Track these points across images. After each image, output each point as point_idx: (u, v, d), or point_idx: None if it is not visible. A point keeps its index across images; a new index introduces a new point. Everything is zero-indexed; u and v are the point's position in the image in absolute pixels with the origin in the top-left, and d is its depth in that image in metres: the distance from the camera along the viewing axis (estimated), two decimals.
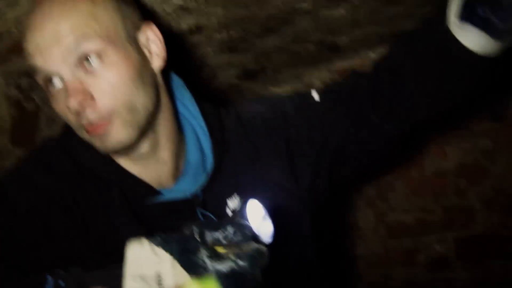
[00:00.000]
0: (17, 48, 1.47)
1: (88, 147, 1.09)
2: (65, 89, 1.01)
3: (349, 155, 1.25)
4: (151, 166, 1.14)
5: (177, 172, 1.17)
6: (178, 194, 1.13)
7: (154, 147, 1.13)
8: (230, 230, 0.90)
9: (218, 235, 0.91)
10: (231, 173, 1.18)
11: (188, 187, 1.15)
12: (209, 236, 0.91)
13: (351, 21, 1.90)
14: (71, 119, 1.04)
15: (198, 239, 0.90)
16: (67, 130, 1.12)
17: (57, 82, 1.02)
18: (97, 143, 1.06)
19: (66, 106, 1.01)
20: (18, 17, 1.28)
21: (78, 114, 1.02)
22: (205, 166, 1.18)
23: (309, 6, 1.68)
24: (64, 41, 0.99)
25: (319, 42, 2.15)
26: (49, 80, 1.02)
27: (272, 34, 1.90)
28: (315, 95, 1.26)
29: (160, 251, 0.92)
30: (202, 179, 1.15)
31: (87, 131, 1.04)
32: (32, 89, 1.70)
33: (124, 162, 1.12)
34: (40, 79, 1.03)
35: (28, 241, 1.01)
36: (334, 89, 1.28)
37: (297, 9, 1.69)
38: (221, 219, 0.94)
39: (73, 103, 1.00)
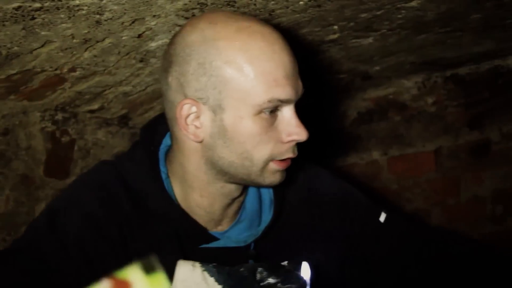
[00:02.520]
0: (51, 84, 1.52)
1: (147, 179, 1.10)
2: (293, 118, 1.04)
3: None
4: (224, 206, 1.15)
5: (233, 218, 1.18)
6: (232, 242, 1.13)
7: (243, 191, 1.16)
8: (286, 278, 0.92)
9: (273, 280, 0.92)
10: (285, 233, 1.19)
11: (241, 235, 1.16)
12: (265, 278, 0.92)
13: (381, 50, 1.90)
14: (267, 148, 1.05)
15: (253, 278, 0.92)
16: (123, 158, 1.14)
17: (286, 111, 1.05)
18: (276, 176, 1.08)
19: (287, 134, 1.04)
20: (50, 53, 1.33)
21: (292, 146, 1.06)
22: (261, 219, 1.19)
23: (338, 37, 1.69)
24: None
25: (350, 71, 2.15)
26: (274, 109, 1.04)
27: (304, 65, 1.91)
28: (383, 216, 1.27)
29: (211, 281, 0.93)
30: (256, 230, 1.15)
31: (279, 163, 1.06)
32: (66, 122, 1.75)
33: (197, 194, 1.12)
34: (268, 107, 1.03)
35: (72, 272, 1.02)
36: (402, 224, 1.29)
37: (326, 40, 1.70)
38: (279, 268, 0.96)
39: (307, 134, 1.04)
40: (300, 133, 1.04)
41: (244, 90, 1.00)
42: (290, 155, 1.05)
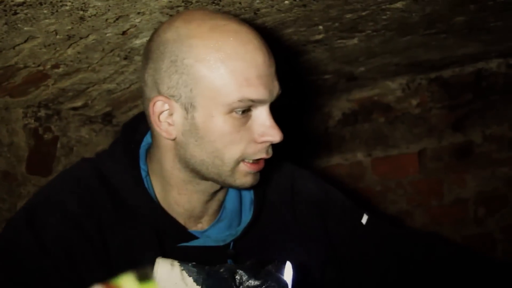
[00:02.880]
0: (34, 80, 1.50)
1: (126, 177, 1.09)
2: (267, 119, 1.04)
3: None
4: (202, 203, 1.14)
5: (213, 217, 1.17)
6: (211, 241, 1.12)
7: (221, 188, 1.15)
8: (265, 280, 0.91)
9: (253, 282, 0.92)
10: (265, 233, 1.18)
11: (221, 234, 1.15)
12: (244, 281, 0.92)
13: (366, 51, 1.90)
14: (238, 148, 1.04)
15: (233, 281, 0.91)
16: (103, 156, 1.13)
17: (260, 111, 1.04)
18: (248, 178, 1.07)
19: (260, 134, 1.03)
20: (33, 49, 1.31)
21: (266, 147, 1.05)
22: (241, 218, 1.19)
23: (324, 37, 1.69)
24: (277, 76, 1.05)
25: (335, 72, 2.15)
26: (246, 109, 1.03)
27: (289, 65, 1.91)
28: (365, 218, 1.28)
29: (190, 281, 0.92)
30: (236, 230, 1.15)
31: (250, 165, 1.06)
32: (49, 119, 1.74)
33: (175, 191, 1.12)
34: (239, 107, 1.02)
35: (51, 269, 1.00)
36: (384, 227, 1.30)
37: (311, 40, 1.70)
38: (260, 270, 0.96)
39: (281, 135, 1.03)
40: (273, 134, 1.03)
41: (215, 89, 0.99)
42: (263, 155, 1.05)
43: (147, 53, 1.06)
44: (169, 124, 1.04)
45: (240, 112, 1.01)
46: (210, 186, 1.12)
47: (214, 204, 1.16)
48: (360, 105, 2.54)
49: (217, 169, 1.05)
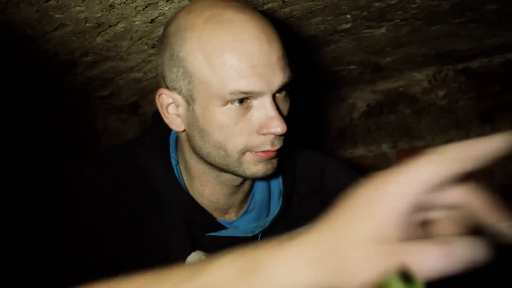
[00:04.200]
0: (63, 68, 1.51)
1: (157, 165, 1.10)
2: (269, 110, 1.00)
3: None
4: (226, 195, 1.14)
5: (241, 208, 1.17)
6: (239, 232, 1.12)
7: (245, 179, 1.14)
8: None
9: None
10: (294, 225, 1.18)
11: (249, 225, 1.15)
12: None
13: (393, 41, 1.88)
14: (240, 140, 1.02)
15: None
16: (133, 143, 1.14)
17: (261, 102, 1.01)
18: (259, 167, 1.05)
19: (261, 126, 1.01)
20: (63, 37, 1.32)
21: (270, 139, 1.02)
22: (269, 209, 1.18)
23: (351, 26, 1.68)
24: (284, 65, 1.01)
25: (361, 63, 2.13)
26: (245, 98, 1.01)
27: (315, 54, 1.90)
28: None
29: None
30: (264, 221, 1.15)
31: (258, 155, 1.03)
32: (77, 108, 1.75)
33: (198, 183, 1.12)
34: (232, 99, 1.00)
35: (87, 256, 1.01)
36: None
37: (338, 30, 1.69)
38: None
39: (284, 127, 1.00)
40: (275, 126, 0.99)
41: (207, 81, 0.98)
42: (267, 147, 1.02)
43: (158, 44, 1.06)
44: (177, 116, 1.04)
45: (237, 103, 0.99)
46: (231, 178, 1.10)
47: (239, 196, 1.16)
48: (386, 96, 2.52)
49: (224, 160, 1.04)
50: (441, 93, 2.42)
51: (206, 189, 1.11)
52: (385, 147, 2.53)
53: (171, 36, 1.01)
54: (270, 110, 1.00)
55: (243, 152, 1.02)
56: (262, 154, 1.03)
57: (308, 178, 1.24)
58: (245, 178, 1.13)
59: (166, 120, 1.05)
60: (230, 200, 1.14)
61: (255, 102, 1.01)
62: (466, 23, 1.75)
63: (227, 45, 0.97)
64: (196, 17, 1.00)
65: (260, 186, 1.18)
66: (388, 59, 2.14)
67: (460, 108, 2.39)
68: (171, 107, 1.04)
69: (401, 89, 2.49)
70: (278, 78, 1.00)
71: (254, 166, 1.04)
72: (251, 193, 1.18)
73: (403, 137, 2.49)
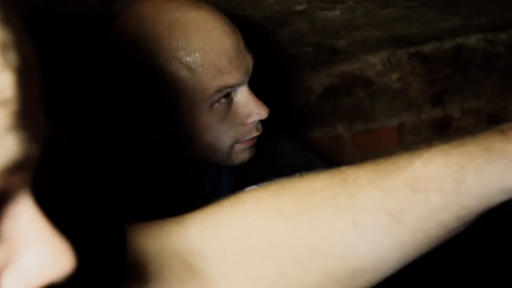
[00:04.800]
0: None
1: None
2: (250, 98, 1.01)
3: None
4: None
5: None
6: None
7: None
8: None
9: None
10: None
11: None
12: None
13: (347, 24, 1.91)
14: (229, 135, 1.03)
15: None
16: None
17: (240, 93, 1.02)
18: (245, 154, 1.07)
19: (247, 115, 1.02)
20: None
21: (255, 125, 1.04)
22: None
23: (306, 8, 1.69)
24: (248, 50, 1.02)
25: (317, 45, 2.15)
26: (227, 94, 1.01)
27: (271, 36, 1.91)
28: None
29: None
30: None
31: (245, 143, 1.05)
32: None
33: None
34: (219, 97, 1.00)
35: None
36: None
37: (293, 11, 1.70)
38: None
39: (267, 109, 1.02)
40: (259, 112, 1.02)
41: (191, 88, 0.98)
42: (254, 134, 1.04)
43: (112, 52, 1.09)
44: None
45: (223, 100, 1.00)
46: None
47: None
48: (341, 79, 2.55)
49: (211, 157, 1.05)
50: (394, 76, 2.47)
51: None
52: (340, 129, 2.56)
53: (129, 50, 0.99)
54: (252, 98, 1.02)
55: (233, 145, 1.03)
56: (250, 142, 1.06)
57: (258, 158, 1.26)
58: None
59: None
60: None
61: (234, 95, 1.02)
62: (418, 6, 1.79)
63: (203, 48, 0.96)
64: (154, 26, 0.98)
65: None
66: (343, 42, 2.17)
67: (413, 91, 2.45)
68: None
69: (356, 72, 2.52)
70: (249, 62, 1.02)
71: (242, 154, 1.06)
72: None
73: (358, 119, 2.53)
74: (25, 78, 0.30)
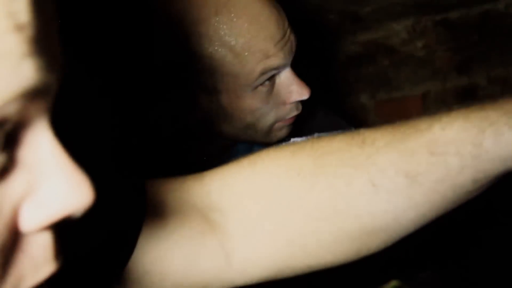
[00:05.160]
0: None
1: None
2: (293, 78, 1.03)
3: None
4: None
5: None
6: None
7: None
8: None
9: None
10: None
11: None
12: None
13: None
14: (270, 116, 1.04)
15: None
16: None
17: (284, 74, 1.03)
18: (283, 131, 1.08)
19: (289, 96, 1.03)
20: None
21: (296, 104, 1.05)
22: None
23: None
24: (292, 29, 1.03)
25: (341, 12, 2.13)
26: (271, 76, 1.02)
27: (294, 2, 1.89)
28: None
29: None
30: None
31: (285, 121, 1.07)
32: None
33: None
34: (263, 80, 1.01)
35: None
36: None
37: None
38: None
39: (309, 90, 1.04)
40: (301, 93, 1.03)
41: (234, 74, 0.98)
42: (294, 113, 1.06)
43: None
44: None
45: (267, 82, 1.01)
46: None
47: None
48: (365, 48, 2.52)
49: (251, 137, 1.07)
50: (419, 44, 2.43)
51: None
52: (363, 98, 2.54)
53: (174, 31, 1.00)
54: (294, 79, 1.04)
55: (273, 125, 1.05)
56: (290, 120, 1.08)
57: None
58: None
59: None
60: None
61: (277, 77, 1.03)
62: None
63: (249, 33, 0.96)
64: (201, 9, 0.98)
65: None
66: (368, 9, 2.14)
67: (438, 59, 2.41)
68: None
69: (380, 40, 2.49)
70: (293, 45, 1.03)
71: (280, 132, 1.08)
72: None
73: (381, 88, 2.50)
74: (41, 2, 0.30)
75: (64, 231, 0.36)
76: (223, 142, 1.10)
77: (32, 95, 0.30)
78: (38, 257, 0.35)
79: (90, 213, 0.36)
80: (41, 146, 0.33)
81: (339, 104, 2.59)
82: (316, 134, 0.74)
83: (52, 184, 0.33)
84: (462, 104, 2.44)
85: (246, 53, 0.96)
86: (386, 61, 2.48)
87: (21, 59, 0.29)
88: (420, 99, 2.45)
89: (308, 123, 1.28)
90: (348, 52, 2.55)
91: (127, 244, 0.61)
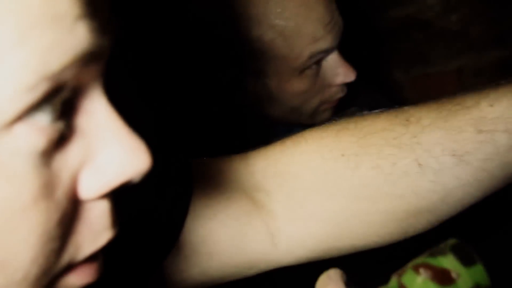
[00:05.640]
0: None
1: None
2: (339, 61, 1.03)
3: None
4: None
5: None
6: None
7: None
8: None
9: None
10: None
11: None
12: None
13: None
14: (316, 99, 1.05)
15: None
16: None
17: (330, 56, 1.04)
18: (326, 113, 1.09)
19: (335, 79, 1.04)
20: None
21: (341, 86, 1.07)
22: None
23: None
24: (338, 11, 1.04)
25: None
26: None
27: None
28: None
29: None
30: None
31: (330, 103, 1.08)
32: None
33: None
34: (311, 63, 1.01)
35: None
36: None
37: None
38: None
39: (355, 72, 1.05)
40: (347, 74, 1.04)
41: (283, 57, 0.98)
42: (339, 95, 1.06)
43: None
44: None
45: (314, 66, 1.01)
46: None
47: None
48: (398, 23, 2.48)
49: (296, 119, 1.07)
50: (454, 17, 2.38)
51: None
52: (397, 74, 2.51)
53: (225, 12, 1.00)
54: (340, 61, 1.04)
55: (318, 107, 1.05)
56: (334, 102, 1.09)
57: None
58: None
59: None
60: None
61: (324, 60, 1.04)
62: None
63: (299, 16, 0.97)
64: None
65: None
66: None
67: (473, 32, 2.36)
68: None
69: (413, 14, 2.45)
70: (340, 27, 1.03)
71: (324, 113, 1.09)
72: None
73: (416, 64, 2.47)
74: None
75: (120, 199, 0.36)
76: (266, 123, 1.11)
77: (87, 59, 0.30)
78: (96, 225, 0.35)
79: (143, 183, 0.36)
80: (96, 112, 0.33)
81: (373, 81, 2.57)
82: (359, 113, 0.73)
83: (109, 150, 0.34)
84: (500, 78, 2.40)
85: (295, 37, 0.97)
86: (420, 36, 2.44)
87: (75, 21, 0.29)
88: (455, 74, 2.41)
89: (351, 102, 1.27)
90: (380, 28, 2.51)
91: (175, 222, 0.62)
